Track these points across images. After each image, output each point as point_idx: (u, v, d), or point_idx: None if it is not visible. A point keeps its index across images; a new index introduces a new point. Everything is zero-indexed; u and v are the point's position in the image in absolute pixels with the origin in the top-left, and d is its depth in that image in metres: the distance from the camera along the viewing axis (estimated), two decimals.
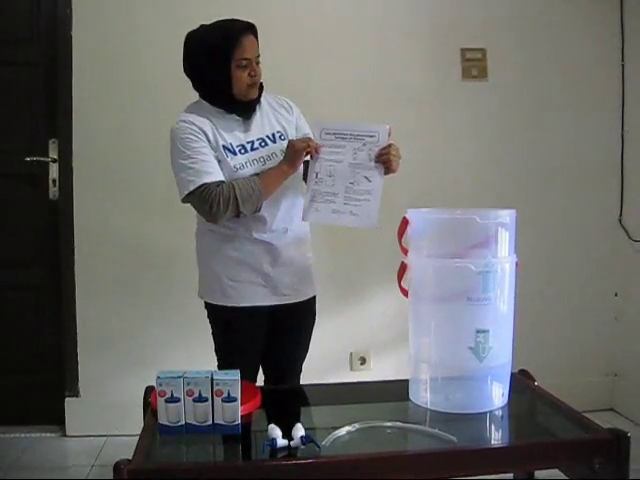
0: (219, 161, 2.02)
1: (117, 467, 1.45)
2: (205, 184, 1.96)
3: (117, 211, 3.06)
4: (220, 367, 2.14)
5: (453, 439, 1.61)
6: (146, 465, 1.52)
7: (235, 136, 2.06)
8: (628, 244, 3.29)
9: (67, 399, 3.08)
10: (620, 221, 3.35)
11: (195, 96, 2.13)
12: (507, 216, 1.85)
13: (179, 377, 1.66)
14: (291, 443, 1.56)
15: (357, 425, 1.69)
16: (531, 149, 3.30)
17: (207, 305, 2.18)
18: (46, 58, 3.05)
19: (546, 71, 3.28)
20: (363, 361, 3.22)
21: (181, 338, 3.08)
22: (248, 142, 2.07)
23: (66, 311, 3.07)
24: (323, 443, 1.58)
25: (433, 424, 1.74)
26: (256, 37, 2.03)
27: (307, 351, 2.30)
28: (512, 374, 1.93)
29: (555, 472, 1.77)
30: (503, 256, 1.83)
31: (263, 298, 2.11)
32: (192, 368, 1.71)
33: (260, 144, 2.08)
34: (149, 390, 1.87)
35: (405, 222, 1.92)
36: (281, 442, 1.55)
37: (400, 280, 1.96)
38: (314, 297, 2.26)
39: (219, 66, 1.99)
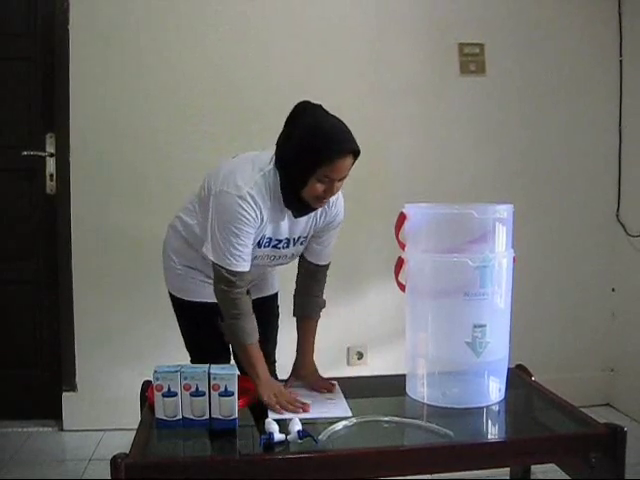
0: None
1: (114, 461, 1.45)
2: (237, 272, 1.87)
3: (114, 206, 3.05)
4: (192, 361, 2.13)
5: (450, 434, 1.62)
6: (143, 459, 1.52)
7: (274, 229, 1.96)
8: (625, 239, 3.30)
9: (64, 394, 3.08)
10: (617, 217, 3.35)
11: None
12: (504, 211, 1.85)
13: (176, 371, 1.66)
14: (288, 438, 1.56)
15: (354, 420, 1.69)
16: (529, 144, 3.30)
17: (170, 296, 2.20)
18: (43, 53, 3.04)
19: (544, 66, 3.28)
20: (360, 356, 3.22)
21: (178, 333, 3.07)
22: (277, 239, 1.98)
23: (63, 306, 3.06)
24: (320, 437, 1.58)
25: (430, 419, 1.74)
26: (355, 159, 1.87)
27: (275, 343, 2.32)
28: (509, 369, 1.94)
29: (552, 467, 1.78)
30: (500, 251, 1.83)
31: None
32: (189, 363, 1.71)
33: (283, 245, 2.00)
34: (146, 384, 1.87)
35: (402, 217, 1.92)
36: (278, 436, 1.56)
37: (397, 275, 1.96)
38: (275, 294, 2.30)
39: (303, 165, 1.84)
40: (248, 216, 1.84)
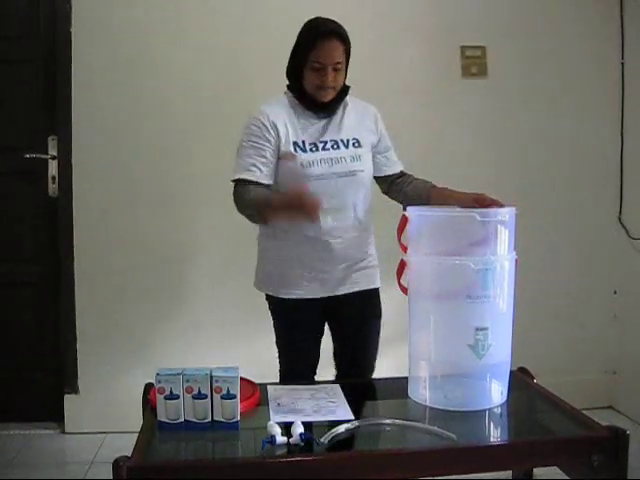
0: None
1: (116, 464, 1.45)
2: (240, 179, 2.03)
3: (116, 208, 3.06)
4: (280, 359, 2.22)
5: (452, 437, 1.62)
6: (145, 462, 1.52)
7: (309, 134, 2.09)
8: (627, 242, 3.29)
9: (66, 396, 3.08)
10: (620, 219, 3.35)
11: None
12: (506, 214, 1.85)
13: (178, 374, 1.66)
14: (290, 440, 1.56)
15: (356, 422, 1.69)
16: (531, 147, 3.30)
17: (266, 296, 2.22)
18: (45, 54, 3.05)
19: (546, 69, 3.28)
20: None
21: (181, 335, 3.08)
22: (321, 142, 2.08)
23: (65, 308, 3.07)
24: (322, 440, 1.58)
25: (432, 422, 1.74)
26: (344, 43, 2.08)
27: (376, 350, 2.32)
28: (511, 372, 1.93)
29: (554, 469, 1.77)
30: (502, 254, 1.83)
31: (315, 291, 2.13)
32: (191, 365, 1.71)
33: (332, 146, 2.09)
34: (148, 387, 1.87)
35: (404, 219, 1.92)
36: (280, 439, 1.56)
37: (399, 278, 1.96)
38: (376, 290, 2.25)
39: (297, 62, 2.08)
40: (256, 125, 2.04)
